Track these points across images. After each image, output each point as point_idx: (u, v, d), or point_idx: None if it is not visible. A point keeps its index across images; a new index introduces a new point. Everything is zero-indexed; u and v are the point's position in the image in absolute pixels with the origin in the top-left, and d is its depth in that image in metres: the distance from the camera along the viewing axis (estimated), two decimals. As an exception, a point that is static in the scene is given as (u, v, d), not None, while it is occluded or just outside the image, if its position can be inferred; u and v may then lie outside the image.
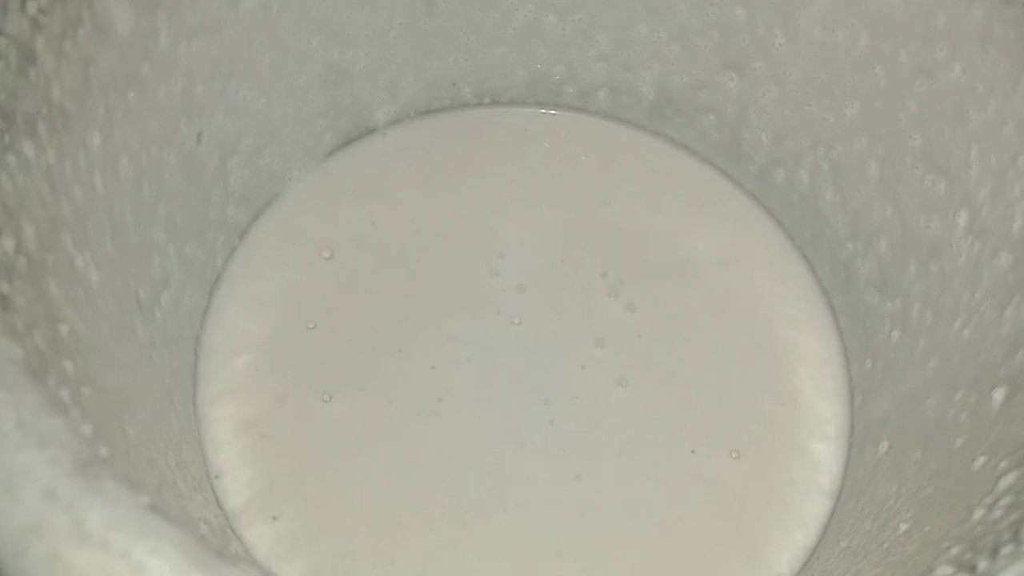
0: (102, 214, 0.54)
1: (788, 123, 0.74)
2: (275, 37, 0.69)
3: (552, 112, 0.81)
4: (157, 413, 0.56)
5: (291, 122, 0.74)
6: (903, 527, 0.55)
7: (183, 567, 0.31)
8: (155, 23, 0.58)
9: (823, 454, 0.65)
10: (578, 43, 0.79)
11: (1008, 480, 0.48)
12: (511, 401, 0.66)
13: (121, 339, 0.54)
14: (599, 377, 0.67)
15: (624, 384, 0.67)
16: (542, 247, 0.73)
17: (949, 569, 0.43)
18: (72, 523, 0.31)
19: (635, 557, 0.62)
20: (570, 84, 0.81)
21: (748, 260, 0.74)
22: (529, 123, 0.80)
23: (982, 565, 0.41)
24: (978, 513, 0.48)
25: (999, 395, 0.53)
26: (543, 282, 0.71)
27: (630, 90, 0.80)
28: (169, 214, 0.63)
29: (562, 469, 0.64)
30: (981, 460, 0.52)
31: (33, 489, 0.32)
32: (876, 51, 0.65)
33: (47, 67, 0.49)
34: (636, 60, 0.78)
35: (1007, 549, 0.41)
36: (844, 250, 0.71)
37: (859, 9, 0.65)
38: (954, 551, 0.46)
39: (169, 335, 0.62)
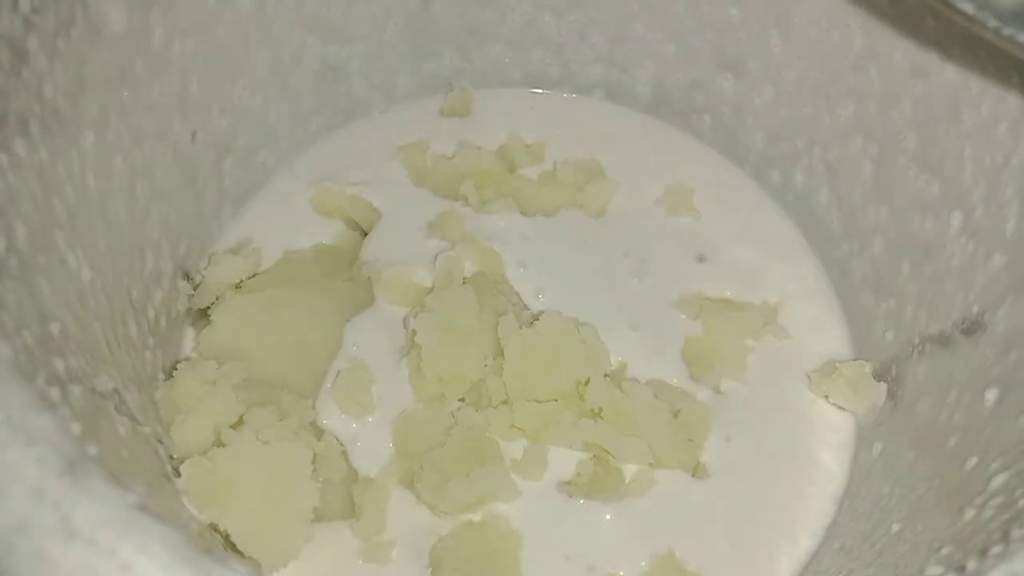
0: (95, 213, 0.54)
1: (783, 124, 0.74)
2: (270, 35, 0.69)
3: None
4: (150, 412, 0.56)
5: (286, 121, 0.74)
6: (895, 527, 0.55)
7: (170, 565, 0.31)
8: (149, 21, 0.58)
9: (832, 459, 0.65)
10: (574, 43, 0.79)
11: (999, 480, 0.48)
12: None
13: (114, 338, 0.54)
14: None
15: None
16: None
17: (939, 569, 0.43)
18: (59, 521, 0.31)
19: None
20: (566, 84, 0.81)
21: (761, 240, 0.74)
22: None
23: (971, 565, 0.41)
24: (969, 513, 0.48)
25: (991, 396, 0.53)
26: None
27: (626, 90, 0.80)
28: (163, 213, 0.63)
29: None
30: (973, 460, 0.52)
31: (20, 487, 0.32)
32: (871, 51, 0.65)
33: (40, 66, 0.49)
34: (632, 60, 0.78)
35: (996, 549, 0.41)
36: (839, 250, 0.71)
37: (854, 9, 0.65)
38: (945, 551, 0.46)
39: (162, 334, 0.62)
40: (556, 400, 0.62)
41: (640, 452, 0.61)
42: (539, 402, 0.61)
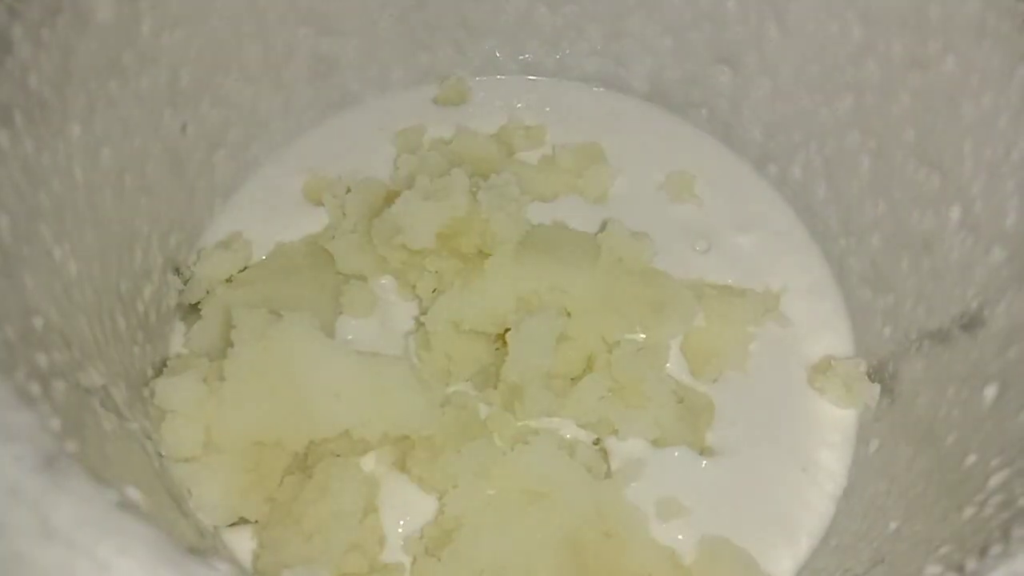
0: (82, 206, 0.53)
1: (780, 117, 0.73)
2: (263, 27, 0.68)
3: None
4: (138, 408, 0.55)
5: (279, 114, 0.73)
6: (893, 525, 0.54)
7: (151, 565, 0.31)
8: (137, 11, 0.57)
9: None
10: (570, 36, 0.78)
11: (999, 478, 0.47)
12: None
13: (101, 333, 0.54)
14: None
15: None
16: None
17: (938, 568, 0.43)
18: (36, 520, 0.31)
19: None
20: (562, 77, 0.80)
21: (763, 229, 0.73)
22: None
23: (971, 565, 0.40)
24: (968, 511, 0.47)
25: (991, 392, 0.53)
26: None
27: (622, 84, 0.79)
28: (152, 206, 0.62)
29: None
30: (972, 458, 0.51)
31: (-3, 485, 0.31)
32: (869, 43, 0.64)
33: (24, 55, 0.48)
34: (628, 54, 0.77)
35: (996, 549, 0.40)
36: (836, 246, 0.71)
37: (852, 0, 0.64)
38: (943, 550, 0.45)
39: (151, 329, 0.61)
40: (563, 377, 0.61)
41: (646, 426, 0.60)
42: (547, 377, 0.61)
